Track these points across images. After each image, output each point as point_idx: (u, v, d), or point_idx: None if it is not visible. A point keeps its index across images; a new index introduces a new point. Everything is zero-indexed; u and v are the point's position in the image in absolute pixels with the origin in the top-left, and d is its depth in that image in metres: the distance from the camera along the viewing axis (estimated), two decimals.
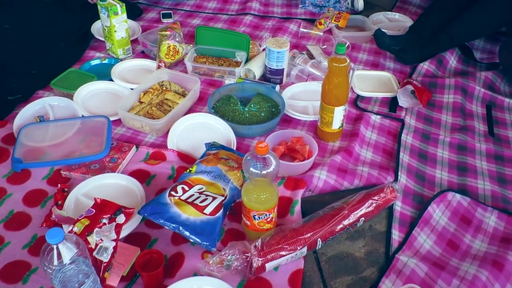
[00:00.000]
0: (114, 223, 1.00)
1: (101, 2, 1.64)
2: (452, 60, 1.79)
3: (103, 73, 1.62)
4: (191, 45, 1.75)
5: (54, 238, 0.79)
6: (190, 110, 1.49)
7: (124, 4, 1.66)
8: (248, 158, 0.98)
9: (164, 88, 1.54)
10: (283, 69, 1.61)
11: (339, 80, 1.28)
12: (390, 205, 1.17)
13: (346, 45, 1.77)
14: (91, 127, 1.35)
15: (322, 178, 1.22)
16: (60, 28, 1.82)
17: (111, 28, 1.67)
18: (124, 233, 1.04)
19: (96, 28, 1.85)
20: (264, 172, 0.98)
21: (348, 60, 1.25)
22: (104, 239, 0.97)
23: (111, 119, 1.39)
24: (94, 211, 1.02)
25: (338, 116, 1.33)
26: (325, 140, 1.40)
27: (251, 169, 0.98)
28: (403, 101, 1.55)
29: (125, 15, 1.67)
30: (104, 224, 1.00)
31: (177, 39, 1.65)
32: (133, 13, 1.96)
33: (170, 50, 1.64)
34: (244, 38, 1.69)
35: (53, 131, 1.34)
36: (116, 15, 1.64)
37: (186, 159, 1.28)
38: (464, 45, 1.84)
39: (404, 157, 1.34)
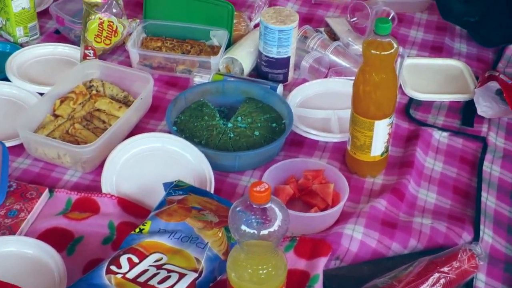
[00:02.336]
0: None
1: None
2: None
3: None
4: (138, 21, 1.76)
5: None
6: (137, 129, 1.50)
7: None
8: (238, 209, 0.97)
9: (94, 92, 1.54)
10: (288, 58, 1.62)
11: (382, 77, 1.29)
12: (468, 280, 1.18)
13: (390, 17, 1.80)
14: None
15: (357, 238, 1.23)
16: None
17: None
18: None
19: None
20: (264, 232, 0.96)
21: (395, 45, 1.26)
22: None
23: (8, 144, 1.39)
24: None
25: (381, 135, 1.34)
26: (360, 175, 1.41)
27: (243, 227, 0.96)
28: (484, 108, 1.57)
29: None
30: None
31: (114, 11, 1.66)
32: None
33: (103, 29, 1.65)
34: (225, 8, 1.70)
35: None
36: None
37: (133, 210, 1.29)
38: None
39: (489, 200, 1.35)
